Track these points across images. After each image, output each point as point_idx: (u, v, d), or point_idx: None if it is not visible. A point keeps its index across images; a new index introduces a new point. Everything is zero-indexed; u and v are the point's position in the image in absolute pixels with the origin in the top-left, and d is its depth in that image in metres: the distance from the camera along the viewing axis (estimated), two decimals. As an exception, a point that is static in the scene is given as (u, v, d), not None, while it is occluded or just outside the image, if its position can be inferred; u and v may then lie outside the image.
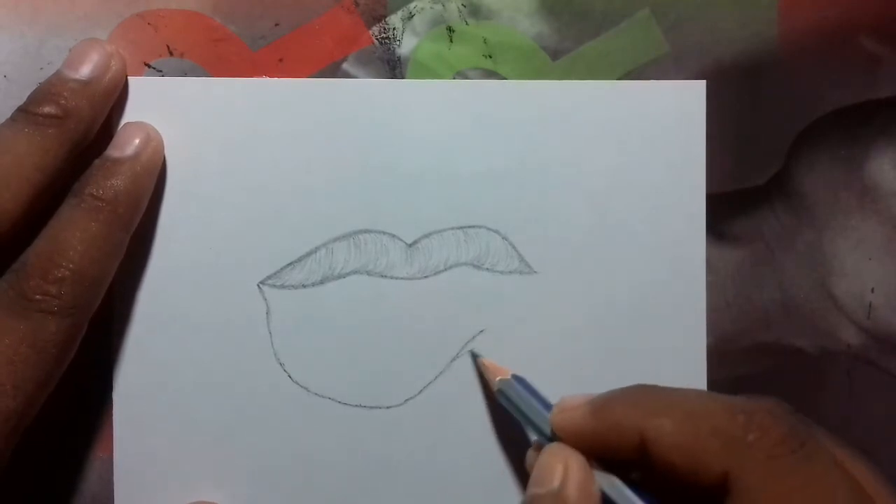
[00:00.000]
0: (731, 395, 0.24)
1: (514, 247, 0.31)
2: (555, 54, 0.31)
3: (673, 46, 0.31)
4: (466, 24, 0.31)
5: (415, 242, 0.30)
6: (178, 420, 0.30)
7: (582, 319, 0.31)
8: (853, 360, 0.32)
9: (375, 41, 0.31)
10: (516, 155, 0.31)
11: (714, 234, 0.31)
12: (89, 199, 0.27)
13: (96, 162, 0.28)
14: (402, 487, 0.30)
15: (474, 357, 0.30)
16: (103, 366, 0.30)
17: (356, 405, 0.30)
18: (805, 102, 0.32)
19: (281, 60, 0.31)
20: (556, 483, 0.24)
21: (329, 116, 0.30)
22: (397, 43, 0.31)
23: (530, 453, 0.27)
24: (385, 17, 0.31)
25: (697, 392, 0.25)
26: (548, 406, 0.27)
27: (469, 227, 0.31)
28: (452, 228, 0.30)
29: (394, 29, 0.31)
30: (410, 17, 0.31)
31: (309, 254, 0.30)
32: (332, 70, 0.31)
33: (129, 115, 0.30)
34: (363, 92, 0.30)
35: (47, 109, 0.28)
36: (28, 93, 0.28)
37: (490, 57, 0.31)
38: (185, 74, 0.31)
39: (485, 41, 0.31)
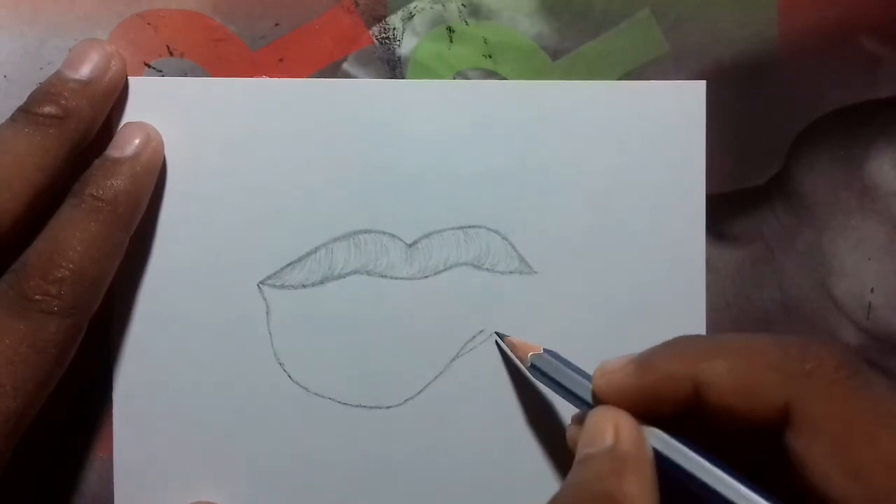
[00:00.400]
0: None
1: (514, 247, 0.31)
2: (555, 54, 0.31)
3: (673, 46, 0.31)
4: (466, 24, 0.31)
5: (415, 242, 0.30)
6: (178, 420, 0.30)
7: (582, 319, 0.31)
8: (853, 360, 0.32)
9: (375, 41, 0.31)
10: (516, 155, 0.31)
11: (714, 234, 0.31)
12: (89, 199, 0.27)
13: (96, 162, 0.28)
14: (402, 487, 0.30)
15: (500, 337, 0.30)
16: (103, 366, 0.30)
17: (356, 405, 0.30)
18: (805, 102, 0.32)
19: (281, 60, 0.31)
20: (608, 441, 0.24)
21: (329, 116, 0.30)
22: (397, 43, 0.31)
23: (571, 427, 0.27)
24: (385, 17, 0.31)
25: (742, 334, 0.25)
26: (584, 375, 0.27)
27: (469, 227, 0.31)
28: (452, 228, 0.30)
29: (394, 29, 0.31)
30: (410, 17, 0.31)
31: (309, 254, 0.30)
32: (332, 70, 0.31)
33: (129, 115, 0.30)
34: (363, 92, 0.30)
35: (47, 109, 0.28)
36: (28, 93, 0.28)
37: (490, 57, 0.31)
38: (185, 74, 0.31)
39: (485, 41, 0.31)
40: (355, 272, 0.30)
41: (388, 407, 0.30)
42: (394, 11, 0.31)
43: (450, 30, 0.31)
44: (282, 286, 0.30)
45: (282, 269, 0.30)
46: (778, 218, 0.32)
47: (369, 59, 0.31)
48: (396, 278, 0.30)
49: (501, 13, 0.31)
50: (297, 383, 0.30)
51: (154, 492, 0.30)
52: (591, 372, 0.26)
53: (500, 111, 0.31)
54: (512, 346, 0.30)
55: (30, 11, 0.30)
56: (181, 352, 0.30)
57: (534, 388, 0.31)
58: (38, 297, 0.26)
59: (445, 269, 0.30)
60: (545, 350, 0.28)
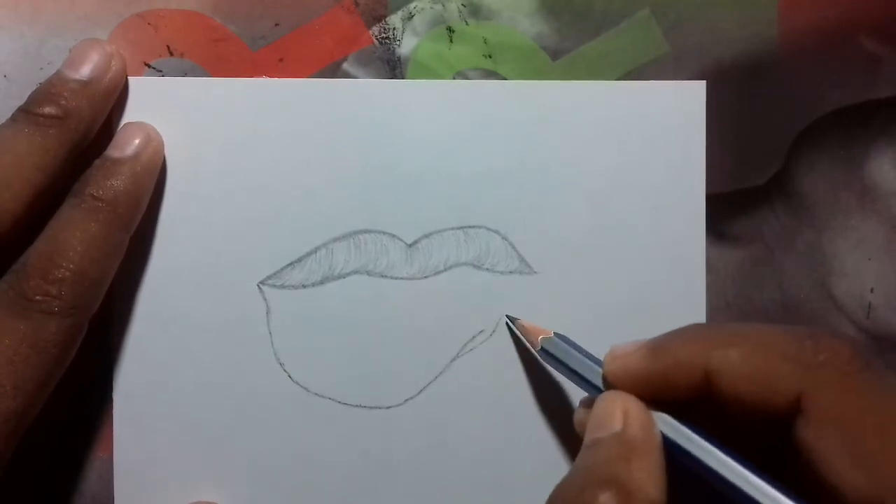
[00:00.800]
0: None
1: (514, 247, 0.31)
2: (555, 54, 0.31)
3: (673, 46, 0.31)
4: (466, 24, 0.31)
5: (415, 242, 0.30)
6: (178, 420, 0.30)
7: (582, 319, 0.31)
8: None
9: (375, 41, 0.31)
10: (516, 155, 0.31)
11: (714, 234, 0.31)
12: (89, 200, 0.27)
13: (96, 162, 0.28)
14: (402, 487, 0.30)
15: (511, 321, 0.30)
16: (103, 366, 0.30)
17: (356, 405, 0.30)
18: (805, 102, 0.32)
19: (281, 60, 0.31)
20: (617, 426, 0.24)
21: (329, 116, 0.30)
22: (397, 43, 0.31)
23: (579, 411, 0.27)
24: (385, 17, 0.31)
25: (755, 324, 0.25)
26: (594, 360, 0.27)
27: (469, 227, 0.31)
28: (452, 228, 0.30)
29: (394, 29, 0.31)
30: (410, 17, 0.31)
31: (309, 254, 0.30)
32: (332, 70, 0.31)
33: (129, 115, 0.30)
34: (363, 92, 0.30)
35: (48, 109, 0.28)
36: (28, 93, 0.28)
37: (490, 57, 0.31)
38: (185, 74, 0.31)
39: (485, 41, 0.31)
40: (355, 272, 0.30)
41: (388, 407, 0.30)
42: (394, 11, 0.31)
43: (450, 30, 0.31)
44: (282, 286, 0.30)
45: (282, 269, 0.30)
46: (778, 218, 0.32)
47: (369, 59, 0.31)
48: (396, 278, 0.30)
49: (501, 13, 0.31)
50: (298, 383, 0.30)
51: (154, 492, 0.30)
52: (601, 357, 0.26)
53: (500, 111, 0.31)
54: (523, 330, 0.30)
55: (30, 11, 0.30)
56: (181, 352, 0.30)
57: (534, 388, 0.31)
58: (38, 297, 0.26)
59: (445, 269, 0.30)
60: (555, 334, 0.28)
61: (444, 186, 0.31)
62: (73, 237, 0.27)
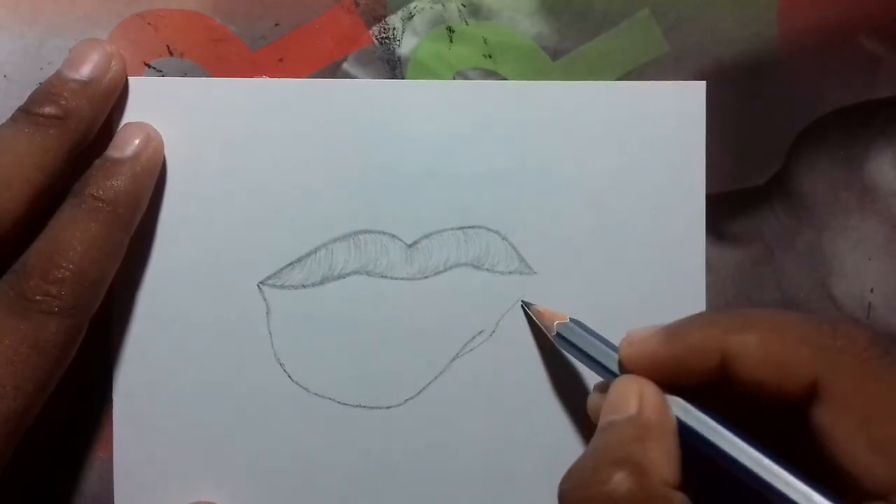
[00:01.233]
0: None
1: (514, 247, 0.31)
2: (555, 54, 0.31)
3: (673, 46, 0.31)
4: (466, 24, 0.31)
5: (415, 243, 0.30)
6: (178, 420, 0.30)
7: (582, 319, 0.30)
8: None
9: (375, 41, 0.31)
10: (516, 155, 0.31)
11: (714, 234, 0.31)
12: (89, 200, 0.27)
13: (96, 162, 0.28)
14: (401, 487, 0.30)
15: (526, 306, 0.30)
16: (103, 366, 0.30)
17: (356, 405, 0.30)
18: (805, 102, 0.32)
19: (281, 60, 0.31)
20: (632, 409, 0.24)
21: (329, 116, 0.30)
22: (397, 43, 0.31)
23: (593, 395, 0.27)
24: (385, 17, 0.31)
25: (772, 310, 0.25)
26: (609, 345, 0.27)
27: (469, 227, 0.31)
28: (452, 229, 0.30)
29: (394, 29, 0.31)
30: (410, 17, 0.31)
31: (309, 254, 0.30)
32: (332, 70, 0.31)
33: (129, 115, 0.30)
34: (363, 92, 0.30)
35: (48, 110, 0.28)
36: (28, 93, 0.28)
37: (490, 57, 0.31)
38: (185, 74, 0.31)
39: (485, 41, 0.31)
40: (355, 272, 0.30)
41: (387, 407, 0.30)
42: (394, 11, 0.31)
43: (450, 30, 0.31)
44: (282, 286, 0.30)
45: (282, 269, 0.30)
46: (778, 218, 0.32)
47: (369, 59, 0.31)
48: (396, 278, 0.30)
49: (501, 13, 0.31)
50: (298, 383, 0.30)
51: (154, 492, 0.30)
52: (616, 343, 0.27)
53: (500, 111, 0.31)
54: (538, 315, 0.30)
55: (30, 11, 0.30)
56: (181, 352, 0.30)
57: (534, 388, 0.31)
58: (38, 297, 0.26)
59: (445, 270, 0.30)
60: (571, 319, 0.28)
61: (444, 187, 0.31)
62: (74, 237, 0.27)
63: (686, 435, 0.24)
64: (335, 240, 0.30)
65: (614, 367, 0.26)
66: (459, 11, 0.31)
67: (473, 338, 0.31)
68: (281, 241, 0.30)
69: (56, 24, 0.30)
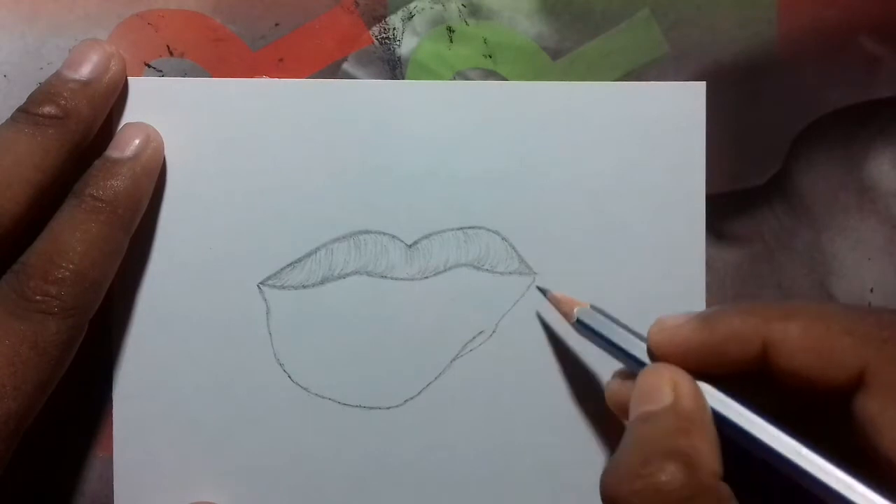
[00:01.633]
0: None
1: (513, 247, 0.31)
2: (555, 54, 0.31)
3: (673, 46, 0.31)
4: (466, 24, 0.31)
5: (415, 243, 0.30)
6: (178, 420, 0.30)
7: (582, 319, 0.31)
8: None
9: (375, 41, 0.31)
10: (516, 155, 0.31)
11: (714, 234, 0.31)
12: (89, 200, 0.27)
13: (96, 162, 0.28)
14: (401, 487, 0.30)
15: (543, 292, 0.30)
16: (103, 366, 0.30)
17: (356, 406, 0.30)
18: (805, 102, 0.32)
19: (281, 60, 0.31)
20: (667, 399, 0.24)
21: (329, 117, 0.30)
22: (397, 43, 0.31)
23: (613, 382, 0.27)
24: (385, 17, 0.31)
25: (812, 301, 0.25)
26: (634, 332, 0.26)
27: (469, 227, 0.31)
28: (452, 229, 0.30)
29: (394, 29, 0.31)
30: (410, 17, 0.31)
31: (309, 254, 0.30)
32: (333, 70, 0.31)
33: (129, 115, 0.30)
34: (363, 92, 0.30)
35: (47, 110, 0.28)
36: (28, 93, 0.28)
37: (490, 57, 0.31)
38: (185, 74, 0.31)
39: (485, 41, 0.31)
40: (355, 273, 0.30)
41: (388, 407, 0.30)
42: (394, 11, 0.31)
43: (450, 30, 0.31)
44: (282, 287, 0.30)
45: (282, 269, 0.30)
46: (777, 218, 0.32)
47: (369, 60, 0.31)
48: (396, 279, 0.30)
49: (501, 13, 0.31)
50: (298, 384, 0.30)
51: (154, 492, 0.30)
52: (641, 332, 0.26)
53: (500, 112, 0.31)
54: (556, 302, 0.29)
55: (30, 11, 0.30)
56: (181, 352, 0.30)
57: (534, 388, 0.31)
58: (38, 297, 0.26)
59: (445, 270, 0.30)
60: (591, 306, 0.28)
61: (444, 187, 0.31)
62: (74, 238, 0.27)
63: (720, 424, 0.24)
64: (335, 240, 0.30)
65: (639, 354, 0.26)
66: (459, 11, 0.31)
67: (473, 338, 0.31)
68: (281, 241, 0.30)
69: (56, 24, 0.30)
